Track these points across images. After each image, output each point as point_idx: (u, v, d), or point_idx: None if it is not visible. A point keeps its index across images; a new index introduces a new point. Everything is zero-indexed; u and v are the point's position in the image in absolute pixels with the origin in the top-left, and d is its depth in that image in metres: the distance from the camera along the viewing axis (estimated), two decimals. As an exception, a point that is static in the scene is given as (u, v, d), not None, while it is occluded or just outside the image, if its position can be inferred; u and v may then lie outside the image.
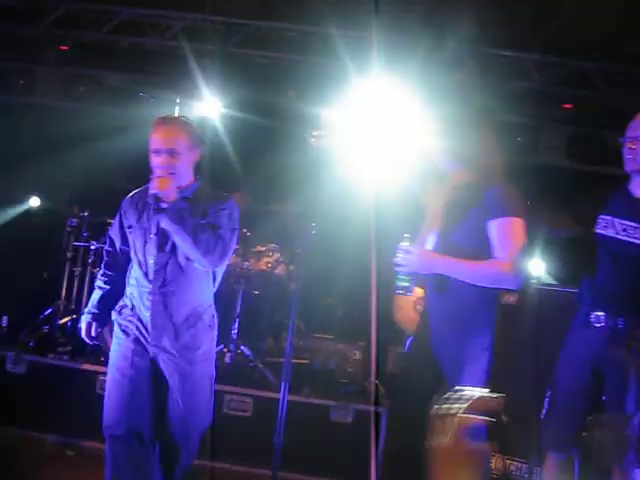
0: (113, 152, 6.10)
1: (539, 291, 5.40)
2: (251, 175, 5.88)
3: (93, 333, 3.59)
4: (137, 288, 3.47)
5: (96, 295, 3.62)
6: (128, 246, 3.54)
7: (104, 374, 4.93)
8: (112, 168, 6.15)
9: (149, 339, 3.43)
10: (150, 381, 3.45)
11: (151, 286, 3.42)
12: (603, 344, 3.49)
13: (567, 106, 6.86)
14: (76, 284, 6.21)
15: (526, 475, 4.85)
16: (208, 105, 6.13)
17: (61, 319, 5.96)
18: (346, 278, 5.82)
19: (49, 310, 6.08)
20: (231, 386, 5.08)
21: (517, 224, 3.24)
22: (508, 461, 4.65)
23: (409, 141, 4.98)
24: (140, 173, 3.54)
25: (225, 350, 5.53)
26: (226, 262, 3.49)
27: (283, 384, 3.55)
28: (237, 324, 5.61)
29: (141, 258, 3.45)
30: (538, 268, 6.70)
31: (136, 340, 3.45)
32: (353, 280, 5.54)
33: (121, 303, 3.55)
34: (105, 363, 4.58)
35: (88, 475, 4.30)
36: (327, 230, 5.21)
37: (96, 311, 3.57)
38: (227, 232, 3.41)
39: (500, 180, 3.40)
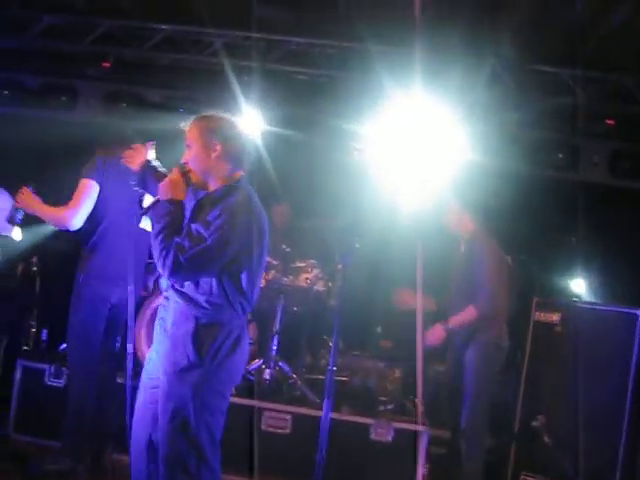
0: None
1: (581, 310, 5.31)
2: (291, 191, 5.88)
3: None
4: None
5: None
6: None
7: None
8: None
9: None
10: None
11: None
12: None
13: (609, 122, 6.75)
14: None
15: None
16: (249, 121, 6.14)
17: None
18: (386, 294, 5.77)
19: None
20: (270, 402, 5.07)
21: None
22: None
23: (447, 156, 4.96)
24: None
25: (264, 366, 5.50)
26: (189, 276, 3.15)
27: (325, 401, 3.52)
28: (276, 340, 5.59)
29: None
30: (580, 286, 6.61)
31: None
32: (393, 297, 5.48)
33: None
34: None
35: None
36: (368, 245, 5.18)
37: None
38: (195, 241, 3.08)
39: None
